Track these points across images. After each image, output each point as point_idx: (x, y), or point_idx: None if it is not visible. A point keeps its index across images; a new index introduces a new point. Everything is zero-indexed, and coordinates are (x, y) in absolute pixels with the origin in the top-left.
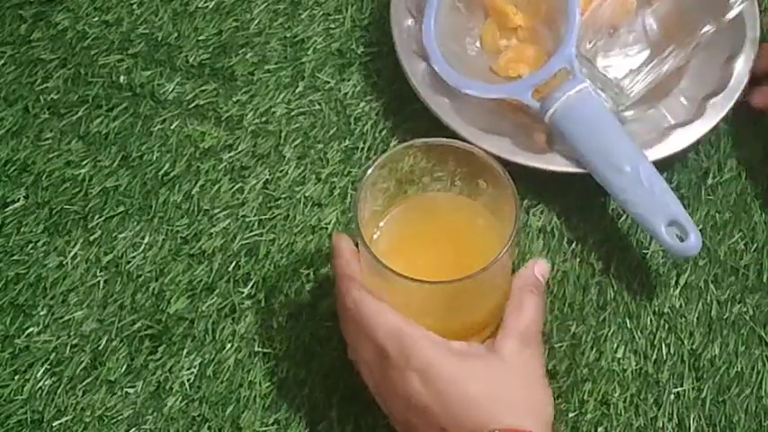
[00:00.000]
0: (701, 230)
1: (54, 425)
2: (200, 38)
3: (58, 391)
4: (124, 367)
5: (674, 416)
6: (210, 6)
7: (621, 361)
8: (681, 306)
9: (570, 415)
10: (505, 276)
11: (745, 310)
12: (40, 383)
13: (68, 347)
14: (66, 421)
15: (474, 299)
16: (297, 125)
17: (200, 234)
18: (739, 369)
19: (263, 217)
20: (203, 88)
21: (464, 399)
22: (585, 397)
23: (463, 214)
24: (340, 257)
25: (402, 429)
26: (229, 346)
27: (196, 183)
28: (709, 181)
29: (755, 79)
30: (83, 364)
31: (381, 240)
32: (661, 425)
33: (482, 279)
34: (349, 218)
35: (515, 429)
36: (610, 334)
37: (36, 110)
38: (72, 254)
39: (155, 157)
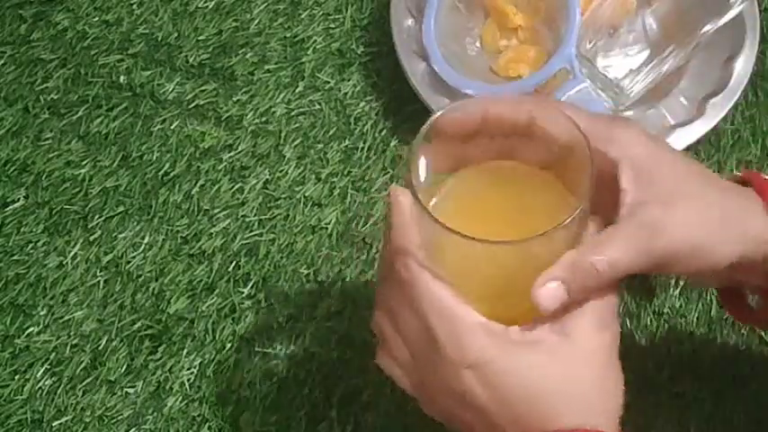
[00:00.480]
0: None
1: (54, 425)
2: (200, 38)
3: (58, 391)
4: (124, 367)
5: (674, 416)
6: (210, 6)
7: (622, 361)
8: (681, 306)
9: None
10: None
11: None
12: (40, 383)
13: (68, 347)
14: (66, 421)
15: (539, 272)
16: (297, 125)
17: (200, 234)
18: (739, 369)
19: (263, 217)
20: (203, 88)
21: (526, 398)
22: None
23: (531, 184)
24: (398, 218)
25: (443, 418)
26: (229, 346)
27: (196, 183)
28: None
29: None
30: (83, 364)
31: (438, 208)
32: (661, 425)
33: (550, 246)
34: (349, 218)
35: (582, 430)
36: None
37: (36, 110)
38: (72, 254)
39: (155, 157)
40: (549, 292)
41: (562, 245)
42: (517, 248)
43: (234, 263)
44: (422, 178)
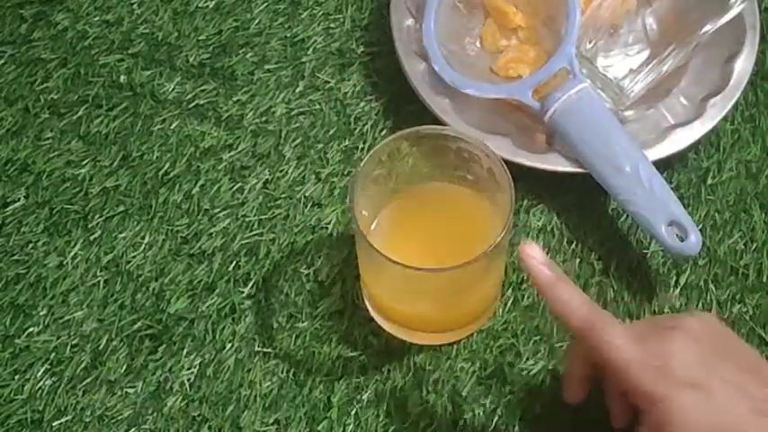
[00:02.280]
0: (700, 230)
1: (54, 425)
2: (200, 38)
3: (58, 391)
4: (124, 367)
5: None
6: (210, 6)
7: None
8: (681, 306)
9: (570, 415)
10: (501, 262)
11: (745, 310)
12: (40, 383)
13: (68, 347)
14: (66, 421)
15: (470, 283)
16: (297, 125)
17: (200, 234)
18: None
19: (263, 217)
20: (203, 88)
21: None
22: (586, 396)
23: (459, 203)
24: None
25: None
26: (229, 346)
27: (196, 182)
28: (709, 181)
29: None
30: (83, 364)
31: (378, 231)
32: None
33: (477, 266)
34: (349, 218)
35: None
36: None
37: (36, 110)
38: (72, 254)
39: (155, 157)
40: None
41: (490, 260)
42: (449, 273)
43: (234, 263)
44: (365, 202)
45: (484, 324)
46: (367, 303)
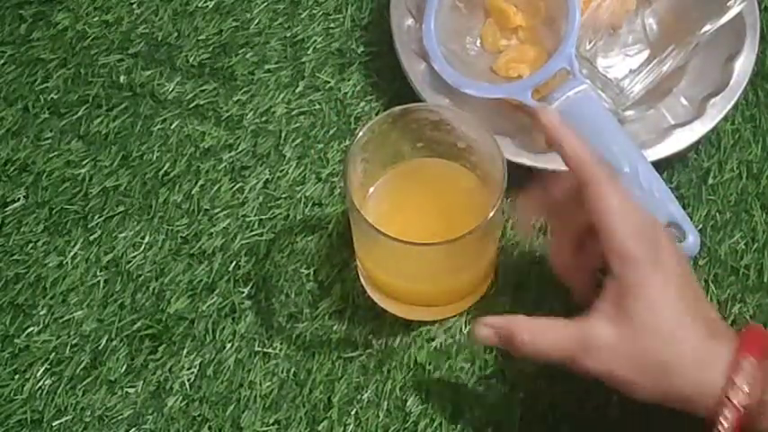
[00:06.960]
0: (700, 230)
1: (54, 425)
2: (200, 38)
3: (58, 391)
4: (124, 367)
5: (674, 415)
6: (210, 6)
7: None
8: None
9: (572, 415)
10: (494, 238)
11: (745, 309)
12: (40, 383)
13: (68, 347)
14: (66, 421)
15: (464, 260)
16: (297, 125)
17: (200, 234)
18: None
19: (263, 217)
20: (203, 88)
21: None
22: (585, 397)
23: (451, 178)
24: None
25: None
26: (229, 346)
27: (196, 183)
28: (710, 181)
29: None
30: (83, 364)
31: (372, 206)
32: (658, 424)
33: (470, 241)
34: (349, 218)
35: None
36: None
37: (36, 110)
38: (72, 254)
39: (155, 157)
40: (483, 334)
41: (483, 236)
42: (442, 247)
43: (234, 263)
44: (358, 179)
45: (478, 297)
46: (363, 281)
